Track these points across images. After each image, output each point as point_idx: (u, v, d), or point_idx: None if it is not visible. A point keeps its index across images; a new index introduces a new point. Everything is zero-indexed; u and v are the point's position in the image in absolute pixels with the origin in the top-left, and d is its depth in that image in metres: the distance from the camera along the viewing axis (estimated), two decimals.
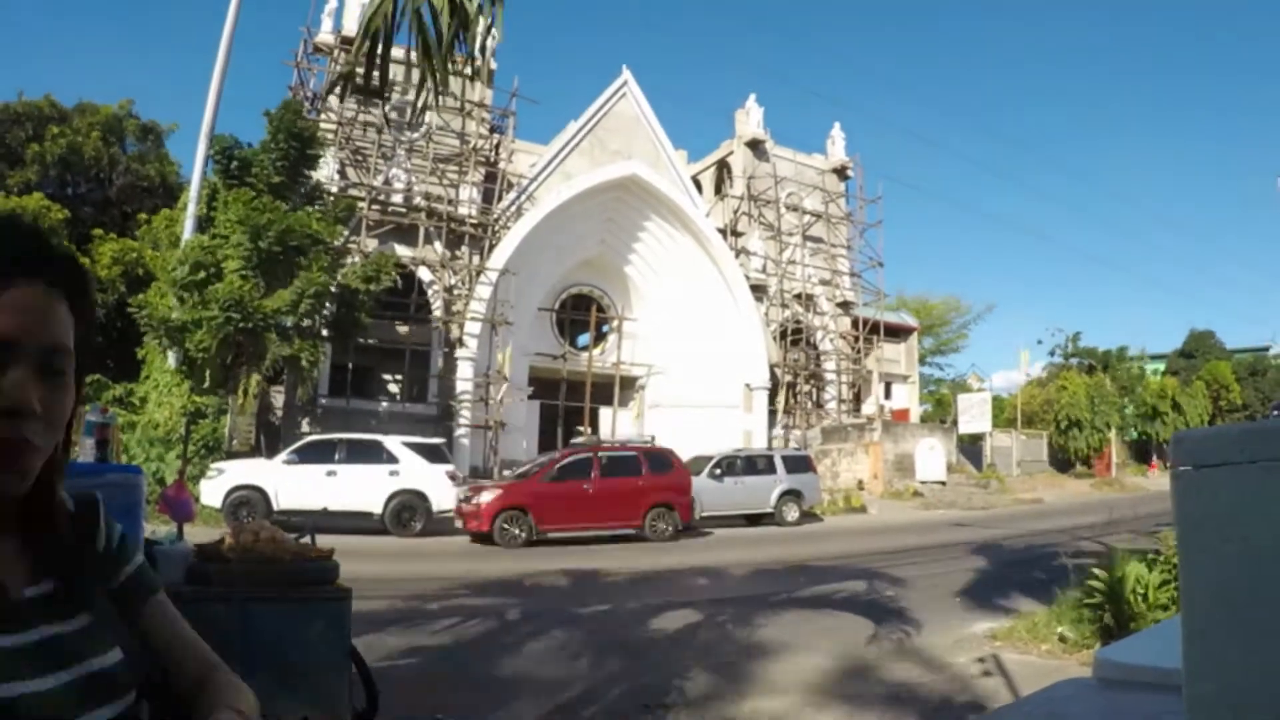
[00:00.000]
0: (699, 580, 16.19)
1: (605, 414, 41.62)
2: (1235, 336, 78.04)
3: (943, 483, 38.73)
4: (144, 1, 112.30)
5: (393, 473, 20.71)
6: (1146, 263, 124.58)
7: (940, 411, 61.70)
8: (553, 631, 10.72)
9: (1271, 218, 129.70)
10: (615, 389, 41.01)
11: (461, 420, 33.53)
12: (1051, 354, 64.85)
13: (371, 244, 33.21)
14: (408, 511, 20.58)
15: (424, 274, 34.98)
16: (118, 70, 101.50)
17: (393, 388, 36.61)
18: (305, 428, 29.30)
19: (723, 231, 42.60)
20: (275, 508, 19.78)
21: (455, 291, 35.10)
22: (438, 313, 34.94)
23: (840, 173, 48.55)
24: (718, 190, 47.24)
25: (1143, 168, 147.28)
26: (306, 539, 4.84)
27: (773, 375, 41.30)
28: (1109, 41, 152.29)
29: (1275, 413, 19.97)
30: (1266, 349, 73.62)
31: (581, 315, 41.49)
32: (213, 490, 19.99)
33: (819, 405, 45.11)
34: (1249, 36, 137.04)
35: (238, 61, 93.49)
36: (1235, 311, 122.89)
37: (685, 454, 29.25)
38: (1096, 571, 9.68)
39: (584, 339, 42.74)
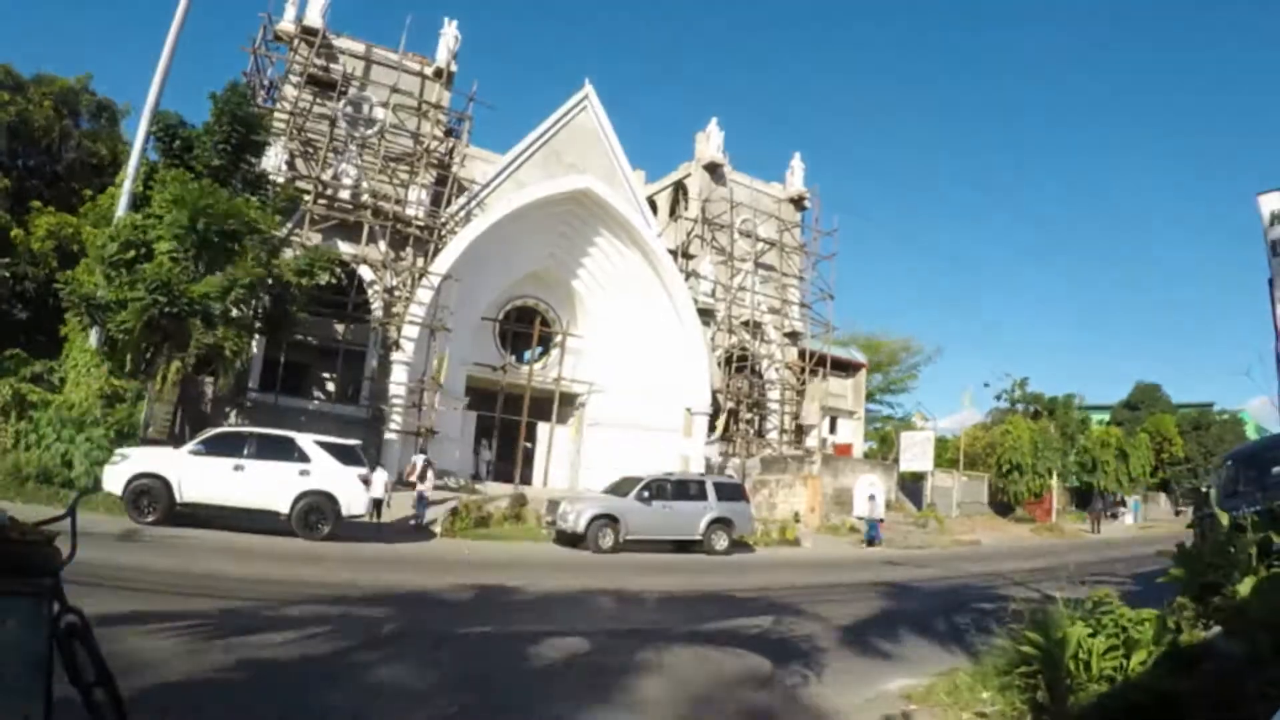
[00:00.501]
0: (605, 603, 15.20)
1: (543, 429, 40.71)
2: (1181, 391, 79.19)
3: (880, 519, 38.02)
4: None
5: (303, 472, 19.58)
6: (1098, 314, 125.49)
7: (885, 449, 61.38)
8: (409, 656, 9.66)
9: (1223, 280, 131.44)
10: (555, 405, 40.13)
11: (393, 425, 32.49)
12: (998, 398, 64.92)
13: (315, 238, 32.17)
14: (315, 514, 19.44)
15: (366, 273, 33.95)
16: (83, 46, 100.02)
17: (328, 387, 35.40)
18: (233, 420, 28.31)
19: (674, 253, 41.85)
20: (178, 499, 18.73)
21: (396, 293, 34.11)
22: (377, 314, 33.89)
23: (797, 203, 48.07)
24: (672, 212, 46.71)
25: (1107, 222, 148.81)
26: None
27: (715, 401, 40.61)
28: (1067, 91, 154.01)
29: (1229, 463, 19.22)
30: (1210, 405, 74.69)
31: (525, 328, 40.57)
32: (114, 477, 18.82)
33: (760, 434, 44.48)
34: (1205, 91, 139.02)
35: (202, 45, 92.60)
36: (1182, 366, 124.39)
37: (620, 474, 28.51)
38: (1029, 635, 8.18)
39: (528, 355, 41.84)
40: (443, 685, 8.65)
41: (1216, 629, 7.42)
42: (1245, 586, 7.13)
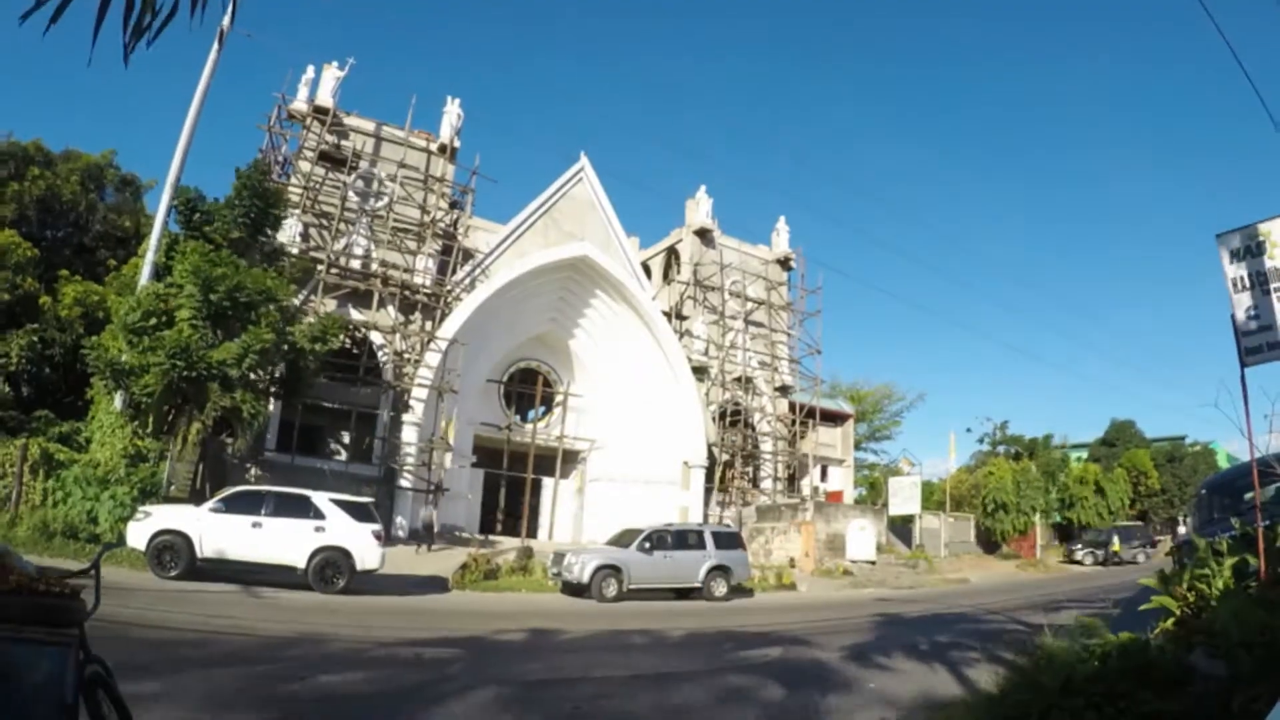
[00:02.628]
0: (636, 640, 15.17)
1: (547, 484, 40.62)
2: (1154, 426, 79.32)
3: (872, 562, 37.93)
4: (140, 63, 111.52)
5: (318, 529, 19.37)
6: (1072, 356, 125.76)
7: (874, 494, 61.39)
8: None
9: (1185, 316, 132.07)
10: (558, 462, 40.09)
11: (403, 483, 32.31)
12: (980, 441, 65.21)
13: (329, 305, 32.32)
14: (331, 568, 19.21)
15: (376, 338, 34.03)
16: (107, 123, 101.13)
17: (342, 446, 35.32)
18: (252, 478, 28.22)
19: (668, 314, 42.05)
20: (199, 554, 18.50)
21: (405, 357, 34.15)
22: (387, 377, 33.90)
23: (783, 263, 48.33)
24: (666, 275, 46.89)
25: (1070, 270, 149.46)
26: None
27: (710, 454, 40.45)
28: (1035, 144, 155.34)
29: (1203, 492, 19.21)
30: (1183, 438, 74.58)
31: (528, 389, 40.46)
32: (138, 533, 18.53)
33: (755, 484, 44.30)
34: (1166, 132, 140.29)
35: (220, 123, 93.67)
36: (1154, 402, 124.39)
37: (622, 526, 28.36)
38: (1018, 663, 8.29)
39: (532, 414, 41.78)
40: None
41: (1199, 650, 7.21)
42: (1224, 608, 7.04)
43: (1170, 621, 8.50)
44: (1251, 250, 9.54)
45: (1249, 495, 15.75)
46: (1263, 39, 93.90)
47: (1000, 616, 20.77)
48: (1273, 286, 9.29)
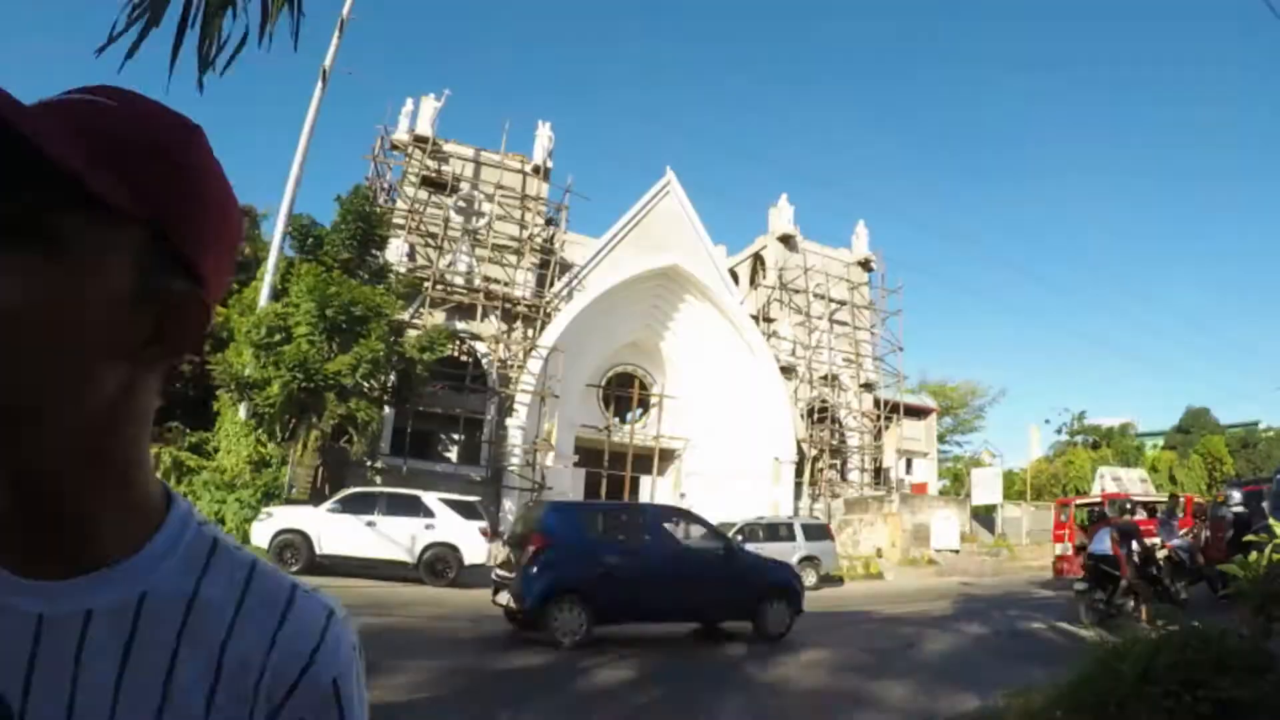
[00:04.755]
0: None
1: (645, 482, 40.45)
2: (1228, 413, 76.93)
3: (956, 550, 36.92)
4: (254, 98, 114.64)
5: (428, 526, 19.53)
6: (1147, 345, 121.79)
7: (958, 486, 60.30)
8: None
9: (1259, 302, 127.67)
10: (654, 460, 39.89)
11: (509, 484, 32.43)
12: (1059, 431, 63.64)
13: (437, 318, 32.67)
14: (441, 563, 19.40)
15: (480, 348, 34.17)
16: (226, 156, 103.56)
17: (453, 450, 35.65)
18: (368, 481, 28.68)
19: (756, 318, 41.57)
20: (318, 551, 18.84)
21: (509, 365, 34.23)
22: (493, 384, 34.03)
23: (864, 265, 47.47)
24: (752, 280, 46.46)
25: (1143, 256, 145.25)
26: None
27: (799, 449, 39.93)
28: (1108, 143, 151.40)
29: (1279, 476, 18.32)
30: (1257, 424, 72.30)
31: (625, 391, 40.43)
32: (262, 532, 18.97)
33: (843, 478, 43.70)
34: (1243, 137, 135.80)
35: (329, 153, 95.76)
36: (1228, 389, 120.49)
37: (716, 521, 28.11)
38: (1097, 654, 7.62)
39: (631, 416, 41.77)
40: None
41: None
42: None
43: (1252, 607, 8.11)
44: None
45: None
46: None
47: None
48: None
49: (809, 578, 25.08)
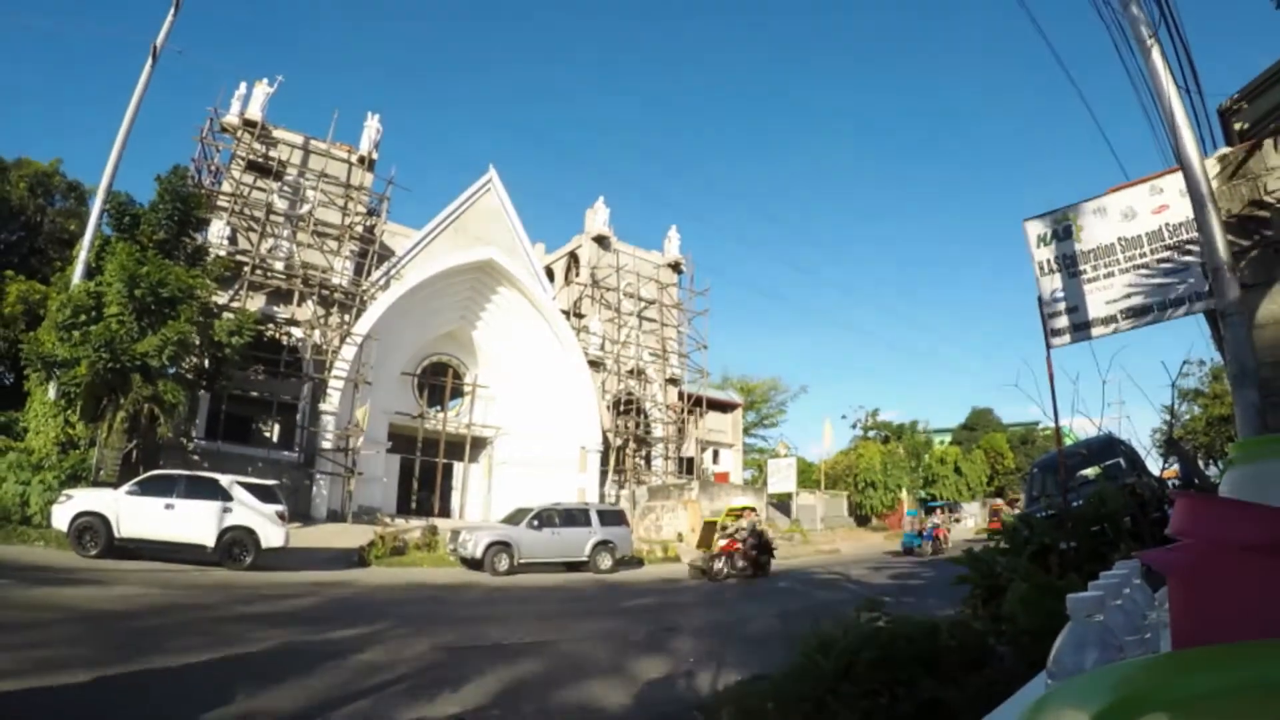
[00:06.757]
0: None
1: (458, 468, 41.00)
2: (1009, 413, 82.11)
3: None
4: (90, 77, 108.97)
5: (226, 509, 19.53)
6: (937, 349, 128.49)
7: (761, 476, 62.74)
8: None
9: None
10: (467, 447, 40.46)
11: (322, 468, 32.49)
12: (853, 426, 66.85)
13: (258, 302, 32.66)
14: (238, 546, 19.45)
15: (297, 333, 34.11)
16: (56, 134, 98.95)
17: (267, 434, 35.36)
18: (194, 463, 28.22)
19: (568, 313, 42.84)
20: (116, 534, 18.54)
21: (324, 351, 34.20)
22: (307, 369, 34.01)
23: (675, 267, 49.29)
24: (567, 277, 47.46)
25: (933, 272, 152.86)
26: None
27: (605, 439, 41.32)
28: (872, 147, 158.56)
29: (1035, 470, 20.18)
30: (1036, 424, 77.34)
31: (439, 380, 40.82)
32: (62, 515, 18.57)
33: (648, 466, 45.09)
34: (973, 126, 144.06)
35: (161, 133, 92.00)
36: (1009, 392, 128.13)
37: (522, 505, 28.84)
38: (806, 650, 6.81)
39: (451, 404, 42.10)
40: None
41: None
42: (1014, 592, 6.70)
43: (977, 600, 8.56)
44: (1059, 234, 9.88)
45: (1081, 472, 16.34)
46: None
47: (846, 578, 21.82)
48: (1079, 269, 9.65)
49: (604, 561, 26.18)
